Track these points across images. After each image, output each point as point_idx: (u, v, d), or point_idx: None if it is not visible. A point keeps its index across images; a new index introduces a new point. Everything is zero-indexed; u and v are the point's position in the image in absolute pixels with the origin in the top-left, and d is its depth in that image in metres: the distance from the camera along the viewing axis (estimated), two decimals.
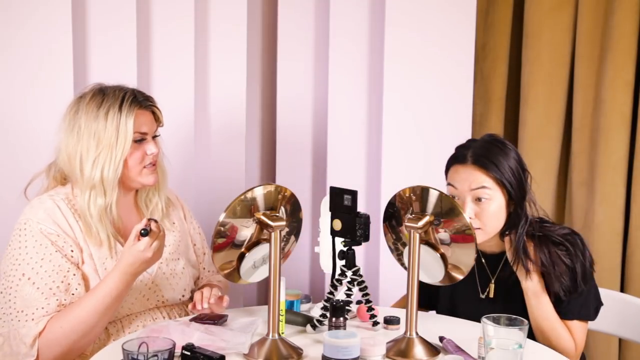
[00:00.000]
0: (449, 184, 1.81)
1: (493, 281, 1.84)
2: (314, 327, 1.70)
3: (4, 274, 1.72)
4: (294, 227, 1.67)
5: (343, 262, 1.67)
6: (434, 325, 1.76)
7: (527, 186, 1.78)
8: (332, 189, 1.66)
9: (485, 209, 1.74)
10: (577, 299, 1.75)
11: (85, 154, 1.74)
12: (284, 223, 1.55)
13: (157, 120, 1.84)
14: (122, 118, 1.74)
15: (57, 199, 1.77)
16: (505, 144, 1.80)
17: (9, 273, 1.70)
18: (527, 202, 1.78)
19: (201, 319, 1.74)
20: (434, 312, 1.98)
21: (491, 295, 1.84)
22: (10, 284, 1.69)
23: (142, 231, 1.65)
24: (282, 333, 1.64)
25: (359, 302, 1.80)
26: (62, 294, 1.69)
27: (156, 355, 1.37)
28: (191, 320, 1.75)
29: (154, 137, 1.83)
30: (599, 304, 1.81)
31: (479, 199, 1.74)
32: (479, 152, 1.77)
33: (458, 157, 1.80)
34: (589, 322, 1.81)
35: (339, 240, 1.68)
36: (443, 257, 1.61)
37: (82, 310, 1.66)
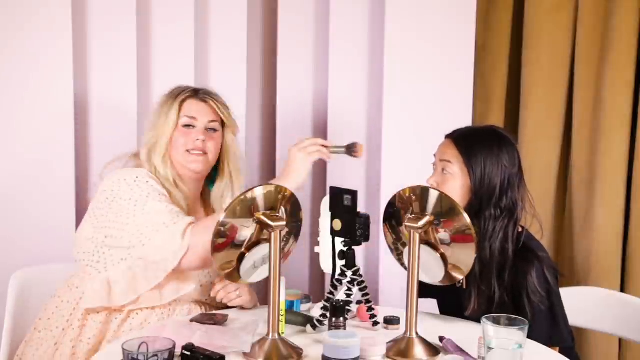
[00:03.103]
0: (434, 155, 1.91)
1: None
2: (314, 327, 1.70)
3: (113, 222, 1.76)
4: (294, 227, 1.67)
5: (343, 262, 1.67)
6: (434, 325, 1.76)
7: (502, 188, 1.80)
8: (332, 189, 1.66)
9: (445, 181, 1.83)
10: (540, 324, 1.72)
11: (146, 139, 1.88)
12: (284, 223, 1.55)
13: (218, 115, 1.92)
14: (173, 102, 1.87)
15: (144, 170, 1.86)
16: (499, 140, 1.84)
17: (124, 212, 1.75)
18: (503, 207, 1.80)
19: (201, 319, 1.74)
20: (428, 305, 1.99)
21: (464, 285, 1.84)
22: (128, 219, 1.74)
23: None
24: (282, 333, 1.64)
25: (359, 302, 1.80)
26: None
27: (156, 355, 1.37)
28: (191, 320, 1.75)
29: (210, 129, 1.90)
30: (569, 329, 1.80)
31: (444, 173, 1.84)
32: (465, 133, 1.87)
33: (450, 132, 1.90)
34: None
35: (339, 240, 1.68)
36: (443, 257, 1.61)
37: None
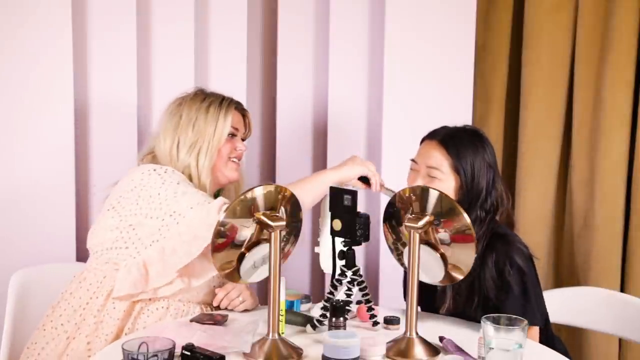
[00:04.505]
0: (411, 160, 1.88)
1: None
2: (314, 327, 1.70)
3: (143, 208, 1.78)
4: (294, 227, 1.67)
5: (343, 262, 1.67)
6: (434, 325, 1.76)
7: (487, 188, 1.80)
8: (332, 189, 1.66)
9: (433, 185, 1.77)
10: (512, 306, 1.71)
11: (183, 140, 1.90)
12: (284, 223, 1.55)
13: (247, 127, 2.03)
14: (221, 111, 1.93)
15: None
16: (481, 140, 1.84)
17: (155, 199, 1.78)
18: (488, 208, 1.80)
19: (201, 319, 1.74)
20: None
21: None
22: (161, 204, 1.77)
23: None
24: (282, 333, 1.64)
25: (359, 302, 1.80)
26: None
27: (156, 355, 1.37)
28: (191, 320, 1.75)
29: (242, 139, 2.01)
30: (542, 310, 1.79)
31: (431, 177, 1.81)
32: (449, 133, 1.84)
33: (430, 134, 1.87)
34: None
35: (339, 240, 1.68)
36: (443, 257, 1.61)
37: None
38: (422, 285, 1.67)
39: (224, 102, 1.95)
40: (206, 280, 1.81)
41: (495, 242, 1.78)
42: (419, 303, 1.95)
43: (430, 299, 1.87)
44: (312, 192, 1.84)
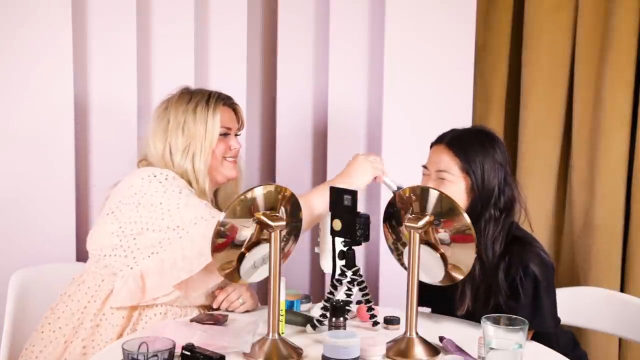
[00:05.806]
0: (423, 166, 1.87)
1: None
2: (314, 327, 1.70)
3: (143, 217, 1.75)
4: (294, 227, 1.67)
5: (343, 262, 1.67)
6: (434, 325, 1.76)
7: (499, 187, 1.79)
8: (332, 189, 1.66)
9: (444, 187, 1.76)
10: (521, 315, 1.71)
11: (174, 145, 1.86)
12: (284, 223, 1.55)
13: (239, 120, 1.98)
14: (209, 111, 1.88)
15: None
16: (490, 139, 1.83)
17: (157, 208, 1.74)
18: (502, 207, 1.79)
19: (201, 319, 1.74)
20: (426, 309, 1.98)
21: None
22: (163, 214, 1.73)
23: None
24: (282, 333, 1.64)
25: (359, 302, 1.80)
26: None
27: (156, 355, 1.37)
28: (191, 320, 1.75)
29: (236, 135, 1.97)
30: (554, 316, 1.78)
31: (441, 179, 1.80)
32: (456, 135, 1.84)
33: (437, 138, 1.87)
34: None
35: (339, 240, 1.68)
36: (443, 257, 1.61)
37: None
38: (437, 287, 1.67)
39: (210, 100, 1.89)
40: (204, 290, 1.81)
41: (512, 246, 1.77)
42: (432, 305, 1.97)
43: (445, 301, 1.85)
44: (325, 203, 1.75)
